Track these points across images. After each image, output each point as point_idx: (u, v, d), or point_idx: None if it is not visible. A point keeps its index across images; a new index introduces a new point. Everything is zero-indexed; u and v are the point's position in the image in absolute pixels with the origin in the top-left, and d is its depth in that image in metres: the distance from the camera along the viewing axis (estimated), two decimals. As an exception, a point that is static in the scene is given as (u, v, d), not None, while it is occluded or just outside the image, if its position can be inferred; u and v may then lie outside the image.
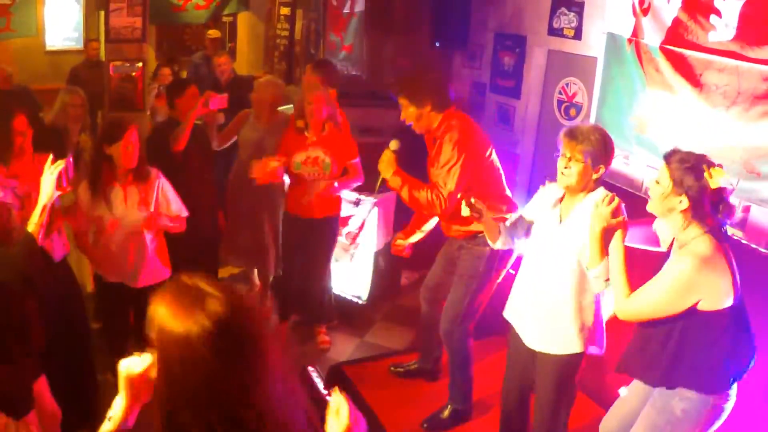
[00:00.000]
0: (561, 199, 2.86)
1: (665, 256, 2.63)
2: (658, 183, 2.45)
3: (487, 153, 3.37)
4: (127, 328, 3.58)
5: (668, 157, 2.45)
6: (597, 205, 2.53)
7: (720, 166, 2.41)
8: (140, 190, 3.38)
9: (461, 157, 3.21)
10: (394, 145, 3.35)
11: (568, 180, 2.71)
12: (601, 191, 2.70)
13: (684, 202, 2.37)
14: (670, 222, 2.48)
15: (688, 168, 2.37)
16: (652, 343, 2.49)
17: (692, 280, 2.32)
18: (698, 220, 2.40)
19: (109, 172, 3.33)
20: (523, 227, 3.01)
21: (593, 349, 2.83)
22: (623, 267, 2.50)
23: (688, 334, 2.42)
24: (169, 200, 3.48)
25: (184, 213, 3.55)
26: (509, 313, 3.06)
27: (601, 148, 2.66)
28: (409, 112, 3.34)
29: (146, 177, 3.41)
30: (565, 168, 2.69)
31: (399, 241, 3.75)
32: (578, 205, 2.76)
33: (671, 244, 2.61)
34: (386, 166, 3.32)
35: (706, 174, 2.36)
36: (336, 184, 4.07)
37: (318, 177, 4.04)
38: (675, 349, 2.44)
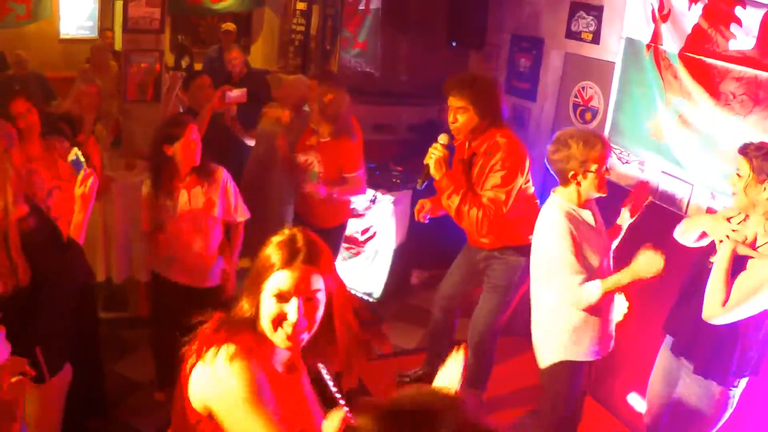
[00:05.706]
0: None
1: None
2: (739, 176, 2.49)
3: (528, 175, 3.29)
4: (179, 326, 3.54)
5: (745, 149, 2.50)
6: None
7: None
8: (205, 190, 3.20)
9: (513, 180, 3.10)
10: (444, 138, 3.06)
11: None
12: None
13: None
14: (754, 217, 2.51)
15: (766, 154, 2.43)
16: (726, 344, 2.54)
17: None
18: None
19: (171, 174, 3.15)
20: None
21: (588, 356, 2.74)
22: (727, 276, 2.44)
23: (753, 330, 2.52)
24: (230, 202, 3.32)
25: (246, 215, 3.41)
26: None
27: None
28: (467, 117, 3.11)
29: (211, 175, 3.22)
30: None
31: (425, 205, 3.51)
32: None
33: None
34: (438, 165, 3.03)
35: None
36: (335, 194, 3.89)
37: (308, 181, 3.97)
38: (741, 352, 2.54)
